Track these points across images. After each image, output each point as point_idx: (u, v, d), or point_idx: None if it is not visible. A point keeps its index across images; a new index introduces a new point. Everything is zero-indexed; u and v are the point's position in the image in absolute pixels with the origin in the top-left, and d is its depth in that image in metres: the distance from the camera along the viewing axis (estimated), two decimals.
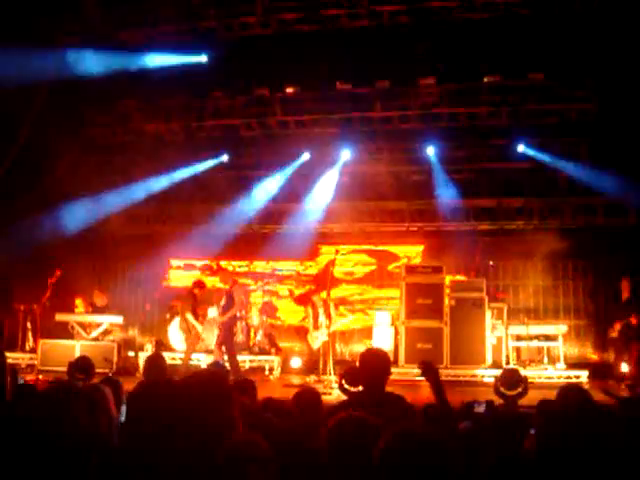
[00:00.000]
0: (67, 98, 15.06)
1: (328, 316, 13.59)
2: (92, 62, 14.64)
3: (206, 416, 2.91)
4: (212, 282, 17.33)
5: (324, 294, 13.51)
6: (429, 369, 4.72)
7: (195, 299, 13.54)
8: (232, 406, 3.06)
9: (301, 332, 15.67)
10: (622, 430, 3.27)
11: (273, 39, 14.82)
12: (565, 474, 2.84)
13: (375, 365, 5.04)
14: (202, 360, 13.63)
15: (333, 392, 10.15)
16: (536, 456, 2.98)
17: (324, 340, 13.22)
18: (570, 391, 4.62)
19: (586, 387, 11.40)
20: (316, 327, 13.60)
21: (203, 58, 15.40)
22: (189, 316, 13.27)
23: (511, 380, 7.31)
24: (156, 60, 15.19)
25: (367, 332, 15.60)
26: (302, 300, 16.48)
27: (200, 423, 2.87)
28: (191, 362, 13.37)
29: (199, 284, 13.81)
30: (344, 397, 6.39)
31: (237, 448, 2.66)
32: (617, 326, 12.39)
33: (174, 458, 2.80)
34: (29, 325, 14.65)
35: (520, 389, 7.28)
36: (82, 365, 7.20)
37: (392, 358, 13.54)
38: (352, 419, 2.77)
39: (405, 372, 12.81)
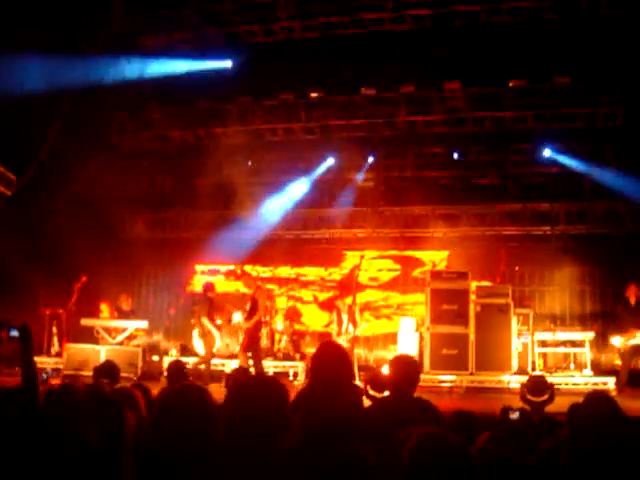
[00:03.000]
0: (93, 104, 15.17)
1: (353, 322, 13.53)
2: (118, 68, 14.75)
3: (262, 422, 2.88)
4: (237, 287, 17.35)
5: (349, 299, 13.45)
6: None
7: (211, 303, 13.54)
8: (285, 413, 3.03)
9: (325, 337, 15.63)
10: None
11: (297, 44, 14.85)
12: None
13: (405, 371, 5.04)
14: (226, 365, 13.60)
15: None
16: (567, 464, 2.93)
17: (346, 347, 13.14)
18: (598, 399, 4.56)
19: (613, 394, 11.32)
20: (340, 333, 13.55)
21: (228, 63, 15.46)
22: (205, 320, 13.28)
23: (537, 387, 7.25)
24: (181, 66, 15.27)
25: (392, 338, 15.52)
26: (327, 306, 16.44)
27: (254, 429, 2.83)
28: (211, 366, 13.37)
29: (209, 287, 13.79)
30: (369, 403, 6.33)
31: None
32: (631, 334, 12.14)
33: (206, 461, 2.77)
34: (55, 329, 14.74)
35: (546, 396, 7.22)
36: (107, 370, 7.21)
37: None
38: (433, 437, 2.68)
39: (430, 378, 12.73)
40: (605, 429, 3.03)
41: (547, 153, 15.31)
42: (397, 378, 5.00)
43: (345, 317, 13.58)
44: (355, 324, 13.46)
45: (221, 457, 2.81)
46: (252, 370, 11.80)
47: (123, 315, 14.86)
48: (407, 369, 5.06)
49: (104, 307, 15.12)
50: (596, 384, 12.27)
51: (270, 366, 13.80)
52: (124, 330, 14.31)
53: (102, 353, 13.51)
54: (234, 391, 3.18)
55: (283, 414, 3.02)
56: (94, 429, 3.18)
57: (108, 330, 14.37)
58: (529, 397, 7.26)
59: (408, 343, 14.25)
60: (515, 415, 5.36)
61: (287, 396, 3.14)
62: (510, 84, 14.76)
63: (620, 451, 2.96)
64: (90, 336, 14.38)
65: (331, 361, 4.75)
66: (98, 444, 3.12)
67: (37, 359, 12.88)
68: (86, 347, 13.83)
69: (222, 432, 2.93)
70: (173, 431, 3.09)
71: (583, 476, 2.83)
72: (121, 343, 14.21)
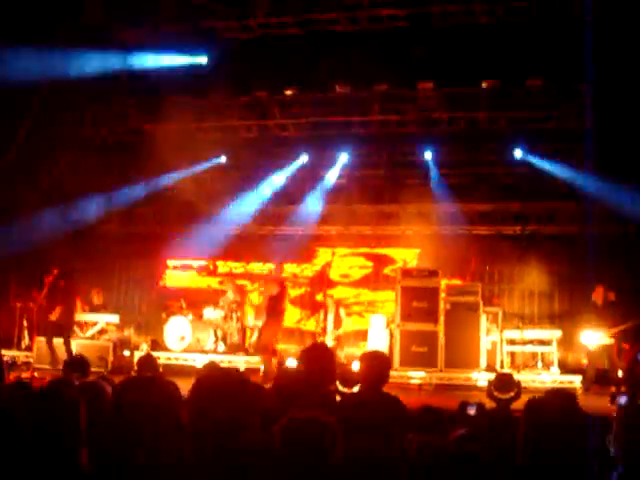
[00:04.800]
0: (67, 97, 15.10)
1: (337, 321, 13.74)
2: (93, 61, 14.68)
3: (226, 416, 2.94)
4: (209, 283, 17.37)
5: (320, 296, 13.54)
6: None
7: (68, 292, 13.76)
8: (246, 407, 3.09)
9: (296, 333, 15.73)
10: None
11: (273, 41, 14.87)
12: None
13: (375, 366, 5.09)
14: (197, 360, 13.60)
15: None
16: (522, 459, 3.01)
17: (331, 345, 13.36)
18: (557, 396, 4.65)
19: (579, 392, 11.55)
20: (326, 331, 13.70)
21: (203, 59, 15.45)
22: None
23: (504, 384, 7.36)
24: (156, 60, 15.23)
25: (362, 335, 15.60)
26: (310, 304, 16.42)
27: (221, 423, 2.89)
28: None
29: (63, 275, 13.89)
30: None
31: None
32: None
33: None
34: (25, 323, 14.66)
35: (513, 393, 7.33)
36: (77, 364, 7.20)
37: None
38: (304, 419, 2.79)
39: (400, 375, 12.85)
40: (562, 426, 3.12)
41: (519, 154, 15.44)
42: (367, 373, 5.06)
43: (331, 317, 13.75)
44: (339, 324, 13.67)
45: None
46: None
47: (94, 309, 14.85)
48: (377, 364, 5.12)
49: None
50: (563, 382, 12.44)
51: (241, 361, 13.83)
52: (95, 324, 14.31)
53: (73, 347, 13.48)
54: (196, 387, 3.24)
55: (243, 410, 3.08)
56: (64, 422, 3.21)
57: (79, 324, 14.35)
58: (496, 394, 7.37)
59: (378, 340, 14.34)
60: (472, 410, 5.45)
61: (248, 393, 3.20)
62: (483, 85, 14.87)
63: (575, 448, 3.06)
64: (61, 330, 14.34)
65: (318, 362, 4.84)
66: (56, 438, 3.15)
67: (7, 352, 12.83)
68: (57, 341, 13.79)
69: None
70: (128, 423, 3.15)
71: (538, 471, 2.91)
72: (92, 337, 14.20)
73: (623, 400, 6.56)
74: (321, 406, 2.92)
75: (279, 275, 13.64)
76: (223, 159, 17.05)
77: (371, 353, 5.49)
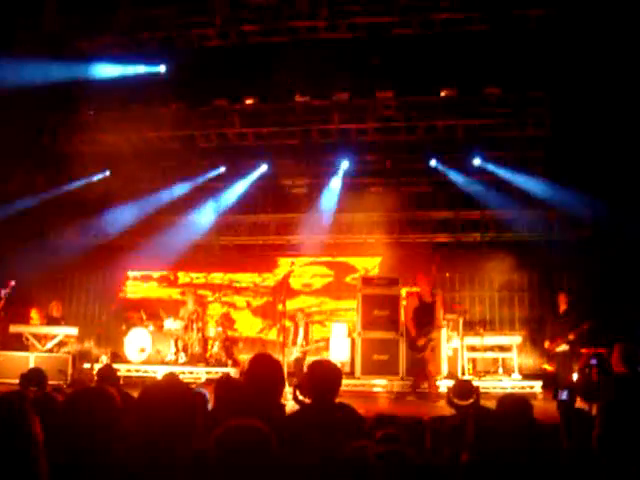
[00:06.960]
0: (25, 105, 14.94)
1: (306, 336, 13.79)
2: (49, 71, 14.54)
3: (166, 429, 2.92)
4: (170, 293, 17.27)
5: (281, 306, 13.45)
6: None
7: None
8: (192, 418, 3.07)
9: (257, 344, 15.67)
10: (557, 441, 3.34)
11: (232, 50, 14.87)
12: None
13: (324, 376, 4.99)
14: (158, 372, 13.49)
15: (287, 403, 10.14)
16: (467, 465, 3.02)
17: (297, 357, 13.38)
18: (509, 401, 4.69)
19: (539, 397, 11.68)
20: (294, 343, 13.71)
21: (161, 68, 15.39)
22: None
23: (463, 390, 7.38)
24: (114, 69, 15.15)
25: (324, 343, 15.60)
26: (272, 314, 16.36)
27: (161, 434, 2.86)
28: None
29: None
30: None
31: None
32: (561, 341, 12.35)
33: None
34: None
35: (472, 400, 7.36)
36: (34, 377, 7.11)
37: (349, 369, 13.62)
38: (241, 427, 2.79)
39: (361, 383, 12.86)
40: (511, 432, 3.14)
41: (477, 162, 15.58)
42: (316, 383, 4.96)
43: (301, 330, 13.80)
44: (308, 339, 13.71)
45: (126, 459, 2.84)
46: None
47: (53, 322, 14.66)
48: (325, 374, 5.02)
49: (34, 314, 14.88)
50: (523, 388, 12.55)
51: (202, 372, 13.74)
52: (54, 337, 14.12)
53: (31, 360, 13.31)
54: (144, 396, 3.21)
55: (188, 418, 3.06)
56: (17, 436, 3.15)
57: (38, 337, 14.15)
58: (455, 401, 7.39)
59: (340, 349, 14.36)
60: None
61: (193, 402, 3.19)
62: (442, 93, 14.99)
63: (523, 454, 3.08)
64: (19, 343, 14.15)
65: (264, 373, 4.80)
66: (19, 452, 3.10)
67: None
68: (15, 354, 13.61)
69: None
70: (76, 434, 3.11)
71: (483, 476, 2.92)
72: (51, 350, 14.02)
73: (564, 395, 6.61)
74: (260, 416, 2.89)
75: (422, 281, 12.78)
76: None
77: (319, 362, 5.31)
